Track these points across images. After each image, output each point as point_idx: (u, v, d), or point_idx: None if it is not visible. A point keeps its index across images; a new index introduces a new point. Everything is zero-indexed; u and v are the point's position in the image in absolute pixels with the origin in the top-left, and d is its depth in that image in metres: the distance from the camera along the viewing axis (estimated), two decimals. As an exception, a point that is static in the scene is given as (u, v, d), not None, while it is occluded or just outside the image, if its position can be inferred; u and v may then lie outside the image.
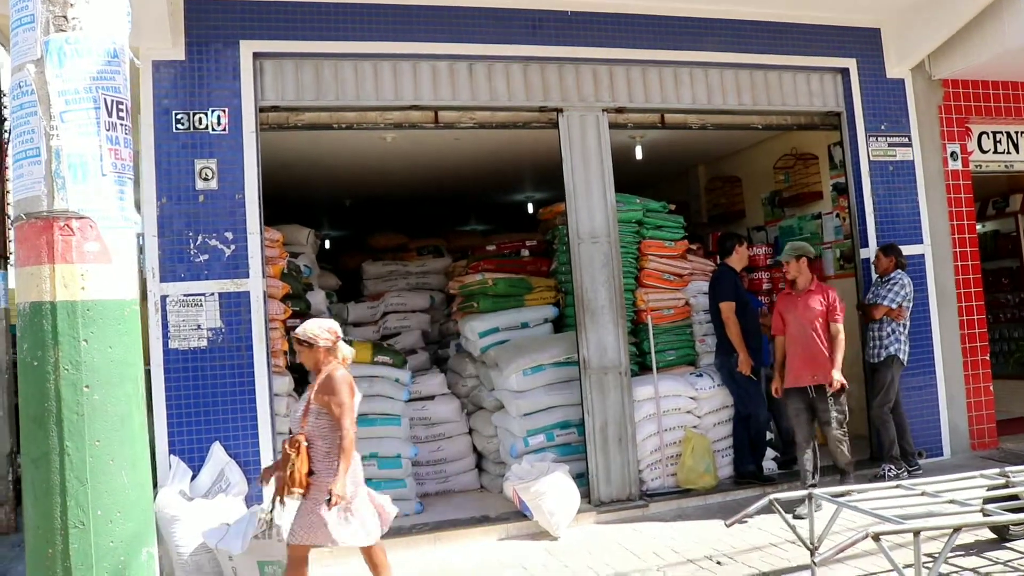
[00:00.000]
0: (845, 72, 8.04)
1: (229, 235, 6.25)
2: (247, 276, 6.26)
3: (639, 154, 9.55)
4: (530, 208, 12.29)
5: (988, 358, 8.41)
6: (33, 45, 2.76)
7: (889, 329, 7.43)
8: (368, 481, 6.86)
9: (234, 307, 6.23)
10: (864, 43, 8.08)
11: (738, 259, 7.66)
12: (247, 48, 6.39)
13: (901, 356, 7.40)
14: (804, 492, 5.07)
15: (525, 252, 9.02)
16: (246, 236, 6.28)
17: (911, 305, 7.46)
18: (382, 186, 10.71)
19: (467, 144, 8.79)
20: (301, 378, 7.29)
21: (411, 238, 11.12)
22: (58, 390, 2.70)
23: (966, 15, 7.50)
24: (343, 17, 6.59)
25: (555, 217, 8.45)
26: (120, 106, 2.87)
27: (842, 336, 6.66)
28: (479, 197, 12.22)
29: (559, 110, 7.16)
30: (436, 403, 7.89)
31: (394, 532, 6.49)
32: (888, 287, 7.45)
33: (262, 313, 6.28)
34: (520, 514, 6.62)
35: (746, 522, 5.92)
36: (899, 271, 7.48)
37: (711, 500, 7.08)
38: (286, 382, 6.65)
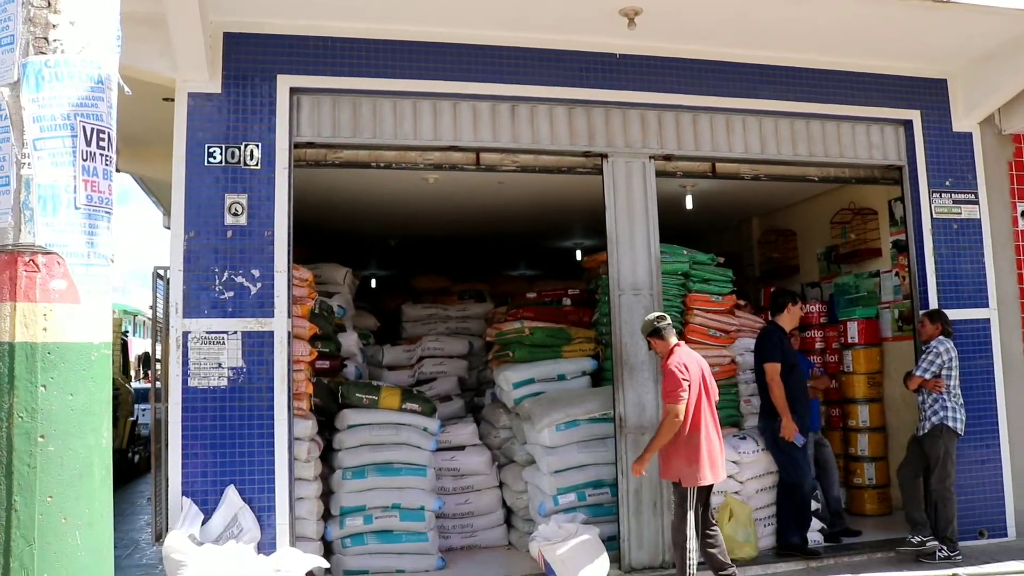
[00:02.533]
0: (908, 124, 7.65)
1: (256, 272, 6.09)
2: (272, 315, 6.07)
3: (689, 204, 9.24)
4: (579, 255, 12.02)
5: (1059, 432, 7.83)
6: (10, 67, 2.60)
7: (931, 399, 6.97)
8: (389, 534, 6.69)
9: (257, 347, 6.04)
10: (929, 94, 7.68)
11: (789, 318, 7.27)
12: (284, 83, 6.27)
13: (949, 423, 6.87)
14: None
15: (567, 301, 8.74)
16: (273, 274, 6.10)
17: (952, 373, 6.97)
18: (427, 227, 10.58)
19: (512, 187, 8.59)
20: (328, 422, 7.10)
21: (454, 281, 10.92)
22: (10, 439, 2.47)
23: (1040, 68, 7.10)
24: (382, 54, 6.45)
25: (599, 266, 8.15)
26: (102, 135, 2.69)
27: (670, 419, 5.67)
28: (526, 242, 12.01)
29: (604, 155, 6.91)
30: (467, 454, 7.60)
31: (411, 589, 6.26)
32: (923, 356, 7.03)
33: (286, 354, 6.08)
34: (545, 577, 6.28)
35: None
36: (941, 338, 7.03)
37: (750, 572, 6.63)
38: (308, 426, 6.43)
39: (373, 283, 13.06)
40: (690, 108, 7.08)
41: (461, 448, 7.65)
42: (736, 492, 7.04)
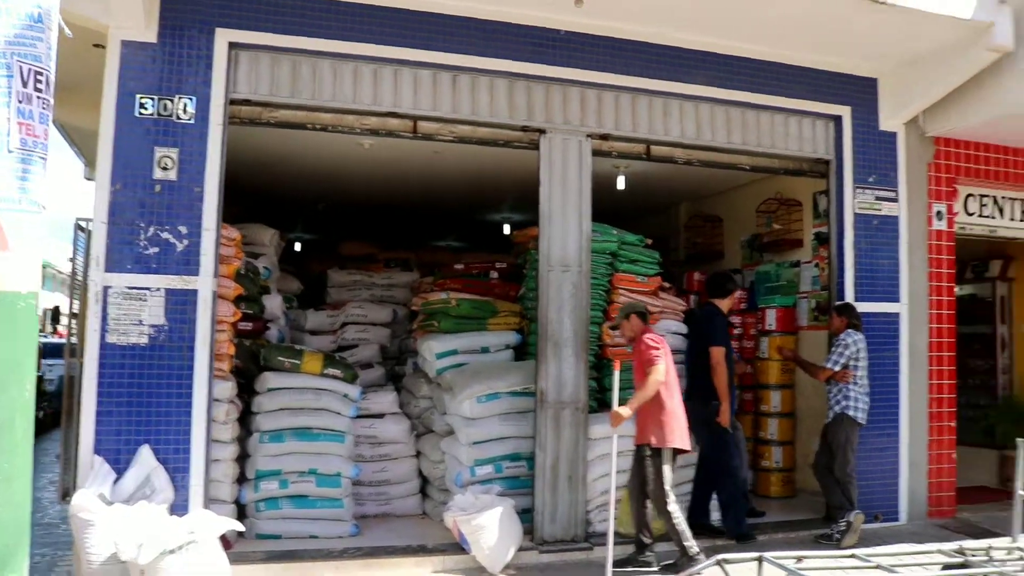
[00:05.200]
0: (838, 120, 7.85)
1: (183, 229, 5.94)
2: (197, 274, 5.94)
3: (621, 184, 9.32)
4: (507, 229, 12.03)
5: (954, 424, 8.21)
6: (-57, 2, 2.48)
7: (836, 389, 7.29)
8: (304, 499, 6.65)
9: (180, 305, 5.91)
10: (860, 92, 7.89)
11: (730, 303, 7.40)
12: (223, 37, 6.10)
13: (850, 413, 7.19)
14: (755, 555, 4.79)
15: (494, 274, 8.75)
16: (200, 232, 5.97)
17: (859, 364, 7.27)
18: (357, 193, 10.45)
19: (447, 158, 8.53)
20: (247, 384, 7.00)
21: (381, 249, 10.84)
22: (-71, 389, 2.39)
23: (965, 74, 7.33)
24: (325, 14, 6.32)
25: (528, 241, 8.21)
26: (39, 77, 2.58)
27: (653, 378, 6.06)
28: (456, 213, 11.96)
29: (542, 131, 6.91)
30: (385, 422, 7.60)
31: (324, 555, 6.23)
32: (833, 348, 7.33)
33: (209, 314, 5.96)
34: (458, 546, 6.32)
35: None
36: (848, 331, 7.31)
37: (659, 547, 6.76)
38: (228, 387, 6.34)
39: (297, 246, 12.86)
40: (630, 89, 7.12)
41: (380, 416, 7.64)
42: (651, 470, 7.19)
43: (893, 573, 4.62)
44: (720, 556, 4.66)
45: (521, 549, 6.39)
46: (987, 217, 8.82)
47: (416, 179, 9.62)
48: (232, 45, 6.13)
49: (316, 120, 6.53)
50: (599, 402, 7.46)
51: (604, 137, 7.15)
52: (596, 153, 7.13)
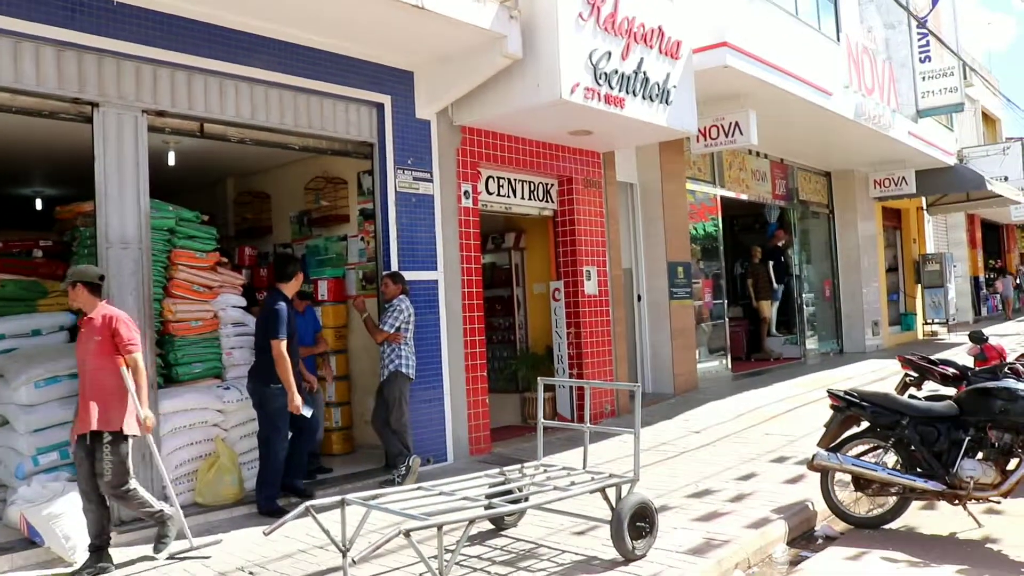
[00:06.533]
0: (380, 107, 8.64)
1: None
2: None
3: (172, 160, 9.25)
4: (39, 204, 11.20)
5: (486, 374, 9.54)
6: None
7: (389, 349, 8.10)
8: None
9: None
10: (399, 83, 8.77)
11: (295, 285, 7.59)
12: None
13: (403, 370, 8.08)
14: (338, 498, 5.37)
15: (38, 253, 8.24)
16: None
17: (409, 327, 8.16)
18: None
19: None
20: None
21: None
22: None
23: (485, 74, 8.53)
24: None
25: (76, 217, 7.87)
26: None
27: (142, 369, 5.85)
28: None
29: (95, 104, 6.68)
30: (-80, 420, 6.87)
31: None
32: (387, 313, 8.11)
33: None
34: (28, 541, 6.03)
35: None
36: (401, 297, 8.18)
37: (237, 512, 7.09)
38: None
39: None
40: (186, 67, 7.15)
41: (-89, 415, 6.89)
42: (224, 439, 7.43)
43: (453, 496, 5.56)
44: (307, 503, 5.19)
45: (98, 533, 6.28)
46: (504, 196, 10.30)
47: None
48: None
49: None
50: (165, 378, 7.49)
51: (160, 113, 7.11)
52: (152, 129, 7.06)
